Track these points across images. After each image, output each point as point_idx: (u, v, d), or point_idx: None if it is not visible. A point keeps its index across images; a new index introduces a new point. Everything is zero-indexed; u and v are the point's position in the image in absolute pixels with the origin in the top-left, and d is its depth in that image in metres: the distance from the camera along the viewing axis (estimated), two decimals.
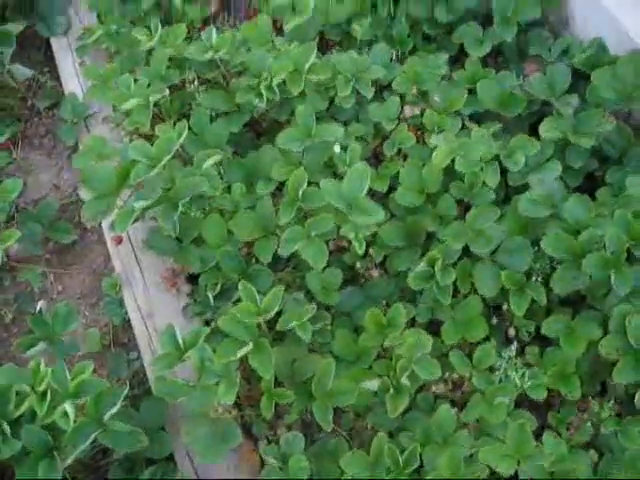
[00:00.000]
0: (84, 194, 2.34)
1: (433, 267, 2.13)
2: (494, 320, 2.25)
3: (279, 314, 2.09)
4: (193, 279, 2.48)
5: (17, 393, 2.04)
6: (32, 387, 2.05)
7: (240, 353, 1.97)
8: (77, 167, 2.62)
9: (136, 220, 2.27)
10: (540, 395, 2.04)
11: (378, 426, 2.08)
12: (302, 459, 1.94)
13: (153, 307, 2.47)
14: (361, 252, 2.13)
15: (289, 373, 2.11)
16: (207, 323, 2.35)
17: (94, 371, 2.37)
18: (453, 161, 2.27)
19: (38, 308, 2.36)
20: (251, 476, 2.16)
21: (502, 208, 2.25)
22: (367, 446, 2.04)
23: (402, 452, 1.90)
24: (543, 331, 2.13)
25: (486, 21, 2.69)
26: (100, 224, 2.71)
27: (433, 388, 2.13)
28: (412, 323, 2.23)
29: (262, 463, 2.15)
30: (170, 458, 2.24)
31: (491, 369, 2.10)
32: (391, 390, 1.99)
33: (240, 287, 2.06)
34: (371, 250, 2.27)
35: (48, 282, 2.76)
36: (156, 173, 2.21)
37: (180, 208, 2.21)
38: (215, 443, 2.07)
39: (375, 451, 1.92)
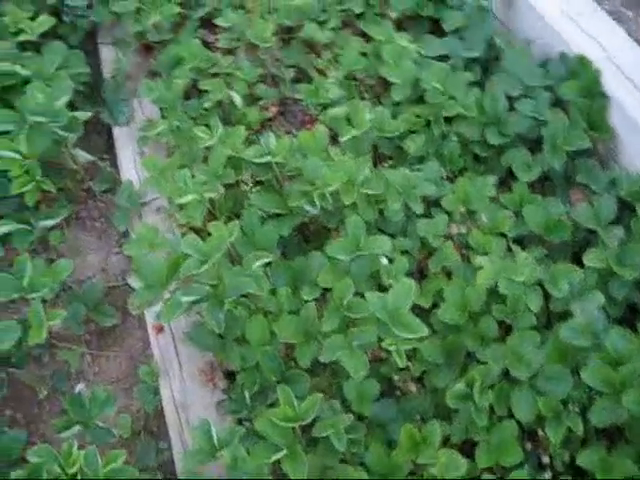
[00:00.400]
0: (134, 282, 2.40)
1: (471, 387, 2.14)
2: (528, 445, 2.24)
3: (314, 420, 2.10)
4: (230, 375, 2.50)
5: (48, 473, 2.05)
6: (63, 469, 2.07)
7: (274, 457, 1.98)
8: (128, 254, 2.69)
9: (182, 313, 2.33)
10: None
11: None
12: None
13: (188, 399, 2.49)
14: (402, 366, 2.15)
15: None
16: (240, 421, 2.35)
17: None
18: (496, 282, 2.32)
19: (77, 390, 2.40)
20: None
21: (543, 333, 2.27)
22: None
23: None
24: (578, 462, 2.11)
25: (535, 146, 2.78)
26: (143, 311, 2.76)
27: None
28: (445, 441, 2.22)
29: None
30: None
31: None
32: None
33: (279, 391, 2.08)
34: (410, 364, 2.29)
35: (85, 363, 2.79)
36: (206, 269, 2.27)
37: (226, 305, 2.26)
38: None
39: None
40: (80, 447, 2.12)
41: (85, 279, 2.99)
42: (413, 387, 2.32)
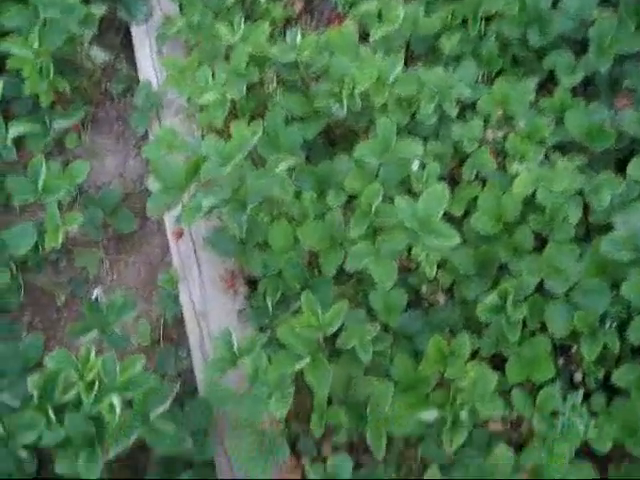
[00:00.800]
0: (152, 185, 2.30)
1: (504, 300, 2.04)
2: (560, 362, 2.15)
3: (338, 330, 2.02)
4: (252, 283, 2.42)
5: (65, 379, 2.00)
6: (80, 375, 2.01)
7: (297, 367, 1.91)
8: (146, 157, 2.59)
9: (202, 217, 2.23)
10: (604, 448, 1.94)
11: (429, 458, 2.00)
12: None
13: (208, 306, 2.42)
14: (431, 276, 2.05)
15: (343, 392, 2.04)
16: (261, 330, 2.28)
17: None
18: (534, 192, 2.19)
19: (95, 295, 2.33)
20: None
21: (581, 246, 2.15)
22: (415, 475, 1.99)
23: None
24: (614, 380, 2.03)
25: (580, 48, 2.59)
26: (162, 216, 2.66)
27: (491, 425, 2.04)
28: (473, 355, 2.14)
29: None
30: (210, 463, 2.18)
31: (553, 413, 2.00)
32: (448, 423, 1.91)
33: (303, 299, 2.00)
34: (439, 274, 2.19)
35: (103, 269, 2.72)
36: (227, 172, 2.16)
37: (248, 210, 2.17)
38: (260, 456, 2.01)
39: None
40: (98, 353, 2.06)
41: (102, 184, 2.90)
42: (442, 298, 2.23)
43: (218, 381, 2.05)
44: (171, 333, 2.56)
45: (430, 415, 1.94)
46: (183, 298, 2.48)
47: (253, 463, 2.01)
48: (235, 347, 2.04)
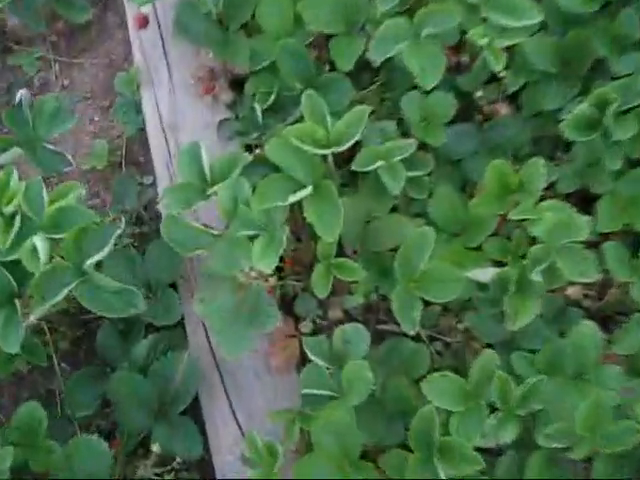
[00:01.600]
0: None
1: (602, 112, 1.41)
2: None
3: (355, 146, 1.44)
4: (237, 85, 1.87)
5: None
6: None
7: (292, 198, 1.34)
8: None
9: None
10: None
11: (479, 334, 1.47)
12: (364, 366, 1.33)
13: (179, 117, 1.91)
14: (498, 68, 1.43)
15: (359, 237, 1.50)
16: (249, 149, 1.74)
17: (96, 196, 2.00)
18: None
19: (18, 98, 1.72)
20: (282, 371, 1.59)
21: None
22: (455, 357, 1.51)
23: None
24: None
25: None
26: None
27: (567, 290, 1.47)
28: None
29: (302, 355, 1.60)
30: (179, 325, 1.74)
31: None
32: (512, 287, 1.34)
33: (304, 100, 1.42)
34: (503, 73, 1.55)
35: (52, 73, 2.22)
36: None
37: None
38: (240, 320, 1.49)
39: (477, 376, 1.28)
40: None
41: None
42: (504, 108, 1.65)
43: (181, 217, 1.53)
44: (136, 155, 2.08)
45: (484, 275, 1.41)
46: (147, 106, 1.98)
47: (231, 330, 1.49)
48: (206, 169, 1.45)
